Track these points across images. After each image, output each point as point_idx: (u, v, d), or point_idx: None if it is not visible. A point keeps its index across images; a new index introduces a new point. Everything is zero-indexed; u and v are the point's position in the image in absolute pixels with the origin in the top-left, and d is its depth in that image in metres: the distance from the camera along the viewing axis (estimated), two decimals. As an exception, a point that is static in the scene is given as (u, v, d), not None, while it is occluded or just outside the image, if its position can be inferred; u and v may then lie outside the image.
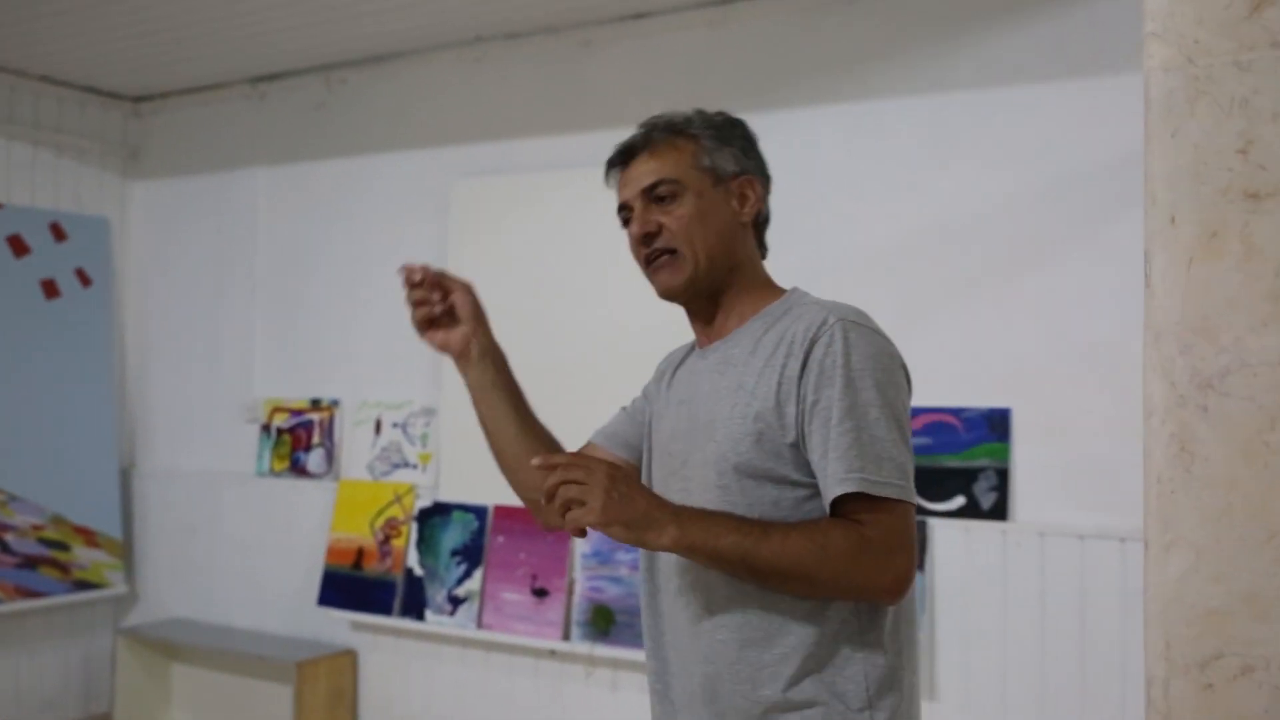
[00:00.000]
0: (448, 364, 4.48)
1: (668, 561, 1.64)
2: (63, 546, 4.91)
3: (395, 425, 4.55)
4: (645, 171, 1.68)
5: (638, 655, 3.82)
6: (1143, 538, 1.11)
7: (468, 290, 1.87)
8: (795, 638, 1.51)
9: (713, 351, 1.68)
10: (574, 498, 1.43)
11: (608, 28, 4.13)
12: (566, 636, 3.98)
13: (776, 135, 3.82)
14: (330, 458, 4.71)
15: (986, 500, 3.42)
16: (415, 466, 4.48)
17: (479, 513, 4.23)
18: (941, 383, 3.52)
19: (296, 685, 4.31)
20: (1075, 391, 3.34)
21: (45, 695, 4.96)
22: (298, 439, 4.80)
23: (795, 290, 1.72)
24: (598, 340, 4.01)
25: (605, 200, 4.59)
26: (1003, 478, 3.41)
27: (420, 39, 4.41)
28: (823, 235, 3.71)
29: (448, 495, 4.33)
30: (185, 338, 5.23)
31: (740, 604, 1.54)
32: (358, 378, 4.70)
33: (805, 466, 1.53)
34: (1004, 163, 3.47)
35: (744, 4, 3.87)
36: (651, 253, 1.66)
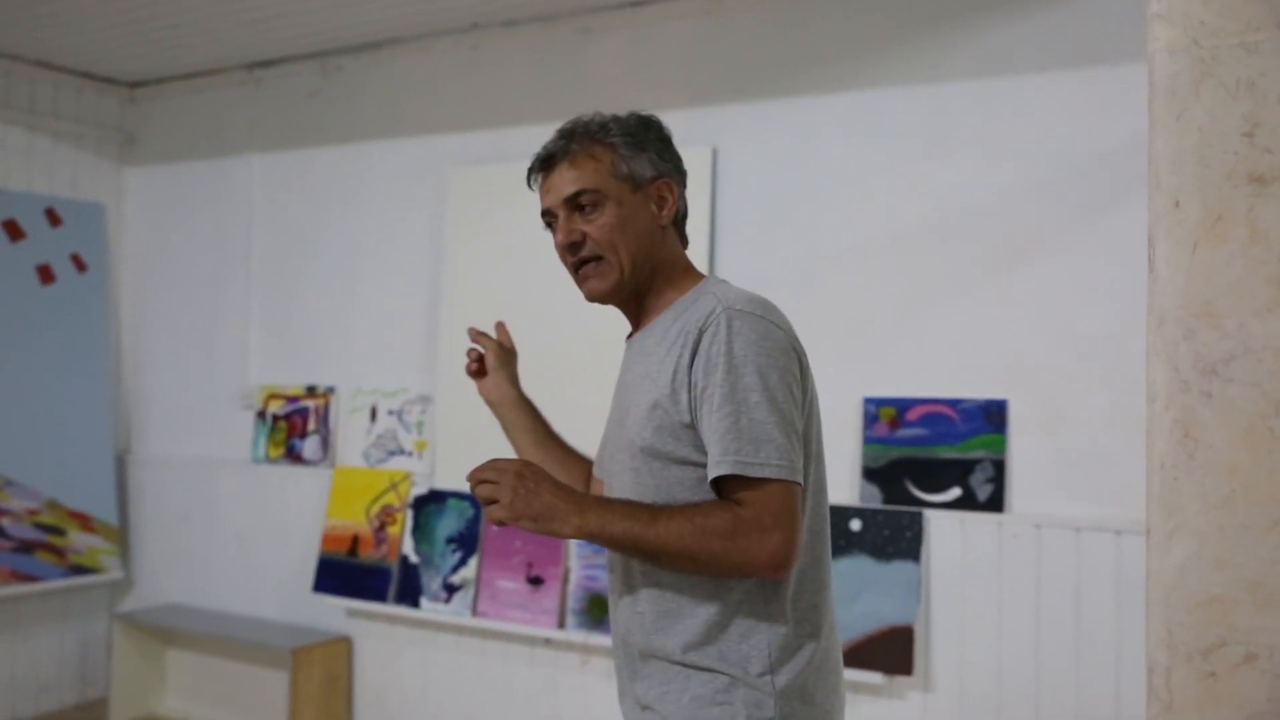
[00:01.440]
0: (443, 352, 4.50)
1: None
2: (59, 531, 4.90)
3: (391, 412, 4.54)
4: (566, 181, 1.75)
5: (633, 644, 3.82)
6: (1144, 525, 1.10)
7: (500, 348, 2.13)
8: (703, 609, 1.63)
9: (635, 341, 1.82)
10: (486, 496, 1.59)
11: (605, 15, 4.11)
12: (562, 625, 3.98)
13: (774, 125, 3.84)
14: (326, 445, 4.70)
15: (983, 492, 3.42)
16: (411, 454, 4.47)
17: (474, 501, 4.22)
18: (939, 374, 3.52)
19: (292, 671, 4.30)
20: (1072, 384, 3.33)
21: (41, 680, 4.95)
22: (293, 426, 4.79)
23: (708, 280, 1.79)
24: (594, 328, 3.99)
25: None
26: (999, 469, 3.40)
27: (417, 26, 4.38)
28: (821, 226, 3.69)
29: (443, 483, 4.32)
30: (181, 324, 5.21)
31: (654, 582, 1.67)
32: (353, 365, 4.68)
33: (703, 448, 1.62)
34: (1003, 154, 3.46)
35: (743, -9, 3.86)
36: (578, 260, 1.77)
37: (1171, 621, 1.06)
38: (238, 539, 4.95)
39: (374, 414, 4.58)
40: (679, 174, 1.83)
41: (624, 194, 1.74)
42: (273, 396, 4.86)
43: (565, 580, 4.00)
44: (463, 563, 4.20)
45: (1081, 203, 3.33)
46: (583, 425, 4.05)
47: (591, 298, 1.80)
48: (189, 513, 5.11)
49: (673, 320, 1.72)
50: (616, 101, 4.53)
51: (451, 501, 4.28)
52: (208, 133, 5.16)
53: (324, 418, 4.71)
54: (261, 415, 4.88)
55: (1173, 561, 1.06)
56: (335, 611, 4.58)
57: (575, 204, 1.75)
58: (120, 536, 5.16)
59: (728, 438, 1.55)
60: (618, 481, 1.75)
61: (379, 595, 4.36)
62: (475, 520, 4.21)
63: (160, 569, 5.19)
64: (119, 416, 5.30)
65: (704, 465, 1.62)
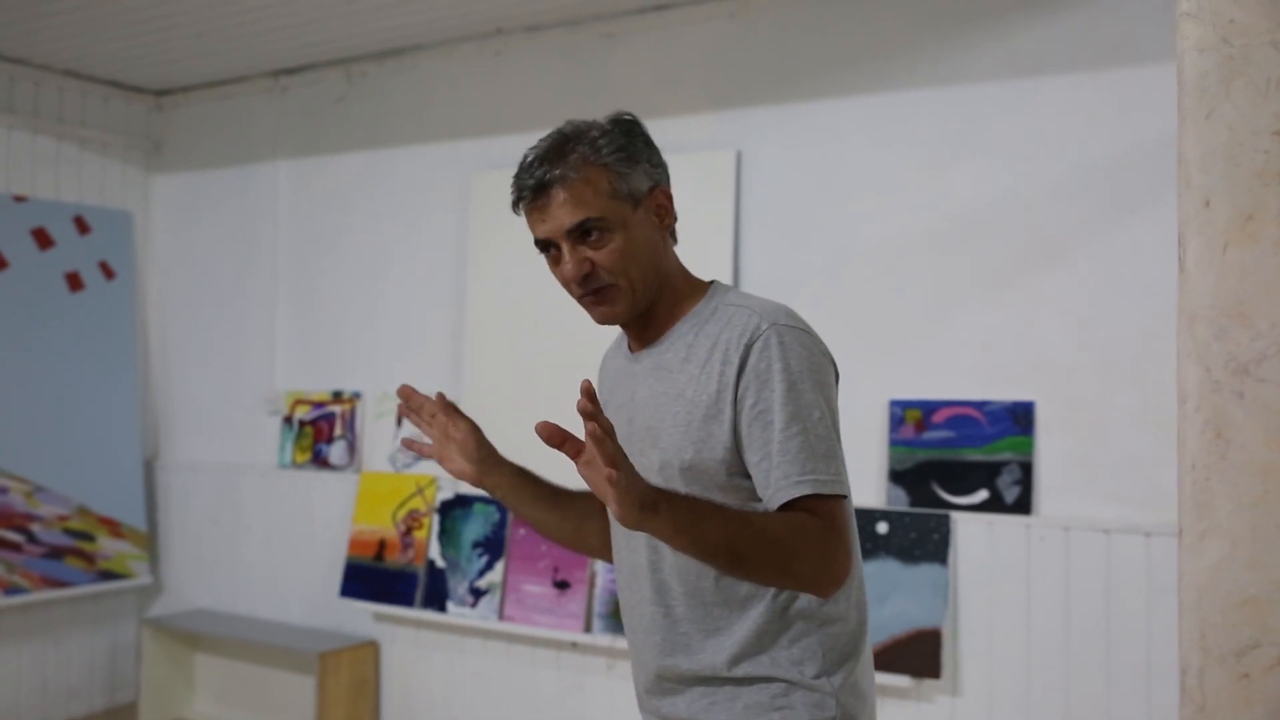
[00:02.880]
0: (468, 357, 4.51)
1: (632, 564, 1.72)
2: (88, 537, 4.94)
3: (417, 418, 4.55)
4: (566, 212, 1.64)
5: (659, 648, 3.81)
6: (1175, 526, 1.09)
7: (471, 431, 1.85)
8: (749, 619, 1.59)
9: (645, 356, 1.73)
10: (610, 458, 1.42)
11: (628, 20, 4.12)
12: (588, 629, 3.98)
13: (799, 128, 3.83)
14: (352, 450, 4.72)
15: (1010, 494, 3.40)
16: (437, 459, 4.48)
17: (500, 505, 4.22)
18: (965, 375, 3.51)
19: (319, 676, 4.32)
20: (1100, 384, 3.31)
21: (71, 684, 4.99)
22: (319, 431, 4.81)
23: (715, 287, 1.75)
24: (617, 332, 4.00)
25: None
26: (1026, 471, 3.39)
27: (440, 32, 4.40)
28: (846, 229, 3.69)
29: (469, 487, 4.33)
30: (207, 330, 5.25)
31: (699, 601, 1.62)
32: (379, 370, 4.70)
33: (744, 467, 1.58)
34: (1029, 155, 3.44)
35: (766, -5, 3.86)
36: (588, 291, 1.68)
37: (1204, 623, 1.05)
38: (265, 544, 4.97)
39: (400, 419, 4.60)
40: (667, 175, 1.75)
41: (626, 214, 1.65)
42: (299, 402, 4.88)
43: (591, 584, 4.00)
44: (489, 567, 4.21)
45: (1109, 203, 3.31)
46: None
47: (604, 322, 1.73)
48: (217, 518, 5.14)
49: (693, 333, 1.66)
50: (640, 105, 4.53)
51: (477, 506, 4.29)
52: (234, 140, 5.20)
53: (350, 423, 4.73)
54: (288, 420, 4.91)
55: (1205, 563, 1.06)
56: (362, 616, 4.60)
57: (578, 233, 1.64)
58: (149, 542, 5.20)
59: (800, 457, 1.51)
60: None
61: (406, 600, 4.38)
62: (501, 525, 4.22)
63: (188, 574, 5.22)
64: (147, 423, 5.34)
65: (744, 486, 1.58)
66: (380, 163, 4.75)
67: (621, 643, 3.88)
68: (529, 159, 1.70)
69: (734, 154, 3.86)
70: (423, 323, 4.59)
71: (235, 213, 5.18)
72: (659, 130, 4.47)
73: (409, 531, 4.44)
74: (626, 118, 1.73)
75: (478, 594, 4.22)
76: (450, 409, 1.85)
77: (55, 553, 4.82)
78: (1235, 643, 1.04)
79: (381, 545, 4.50)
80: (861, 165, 3.69)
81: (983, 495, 3.44)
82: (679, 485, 1.59)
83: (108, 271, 5.16)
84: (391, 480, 4.56)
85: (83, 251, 5.08)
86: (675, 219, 1.76)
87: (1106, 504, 3.28)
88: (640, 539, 1.68)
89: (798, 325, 1.61)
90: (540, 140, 1.71)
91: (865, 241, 3.66)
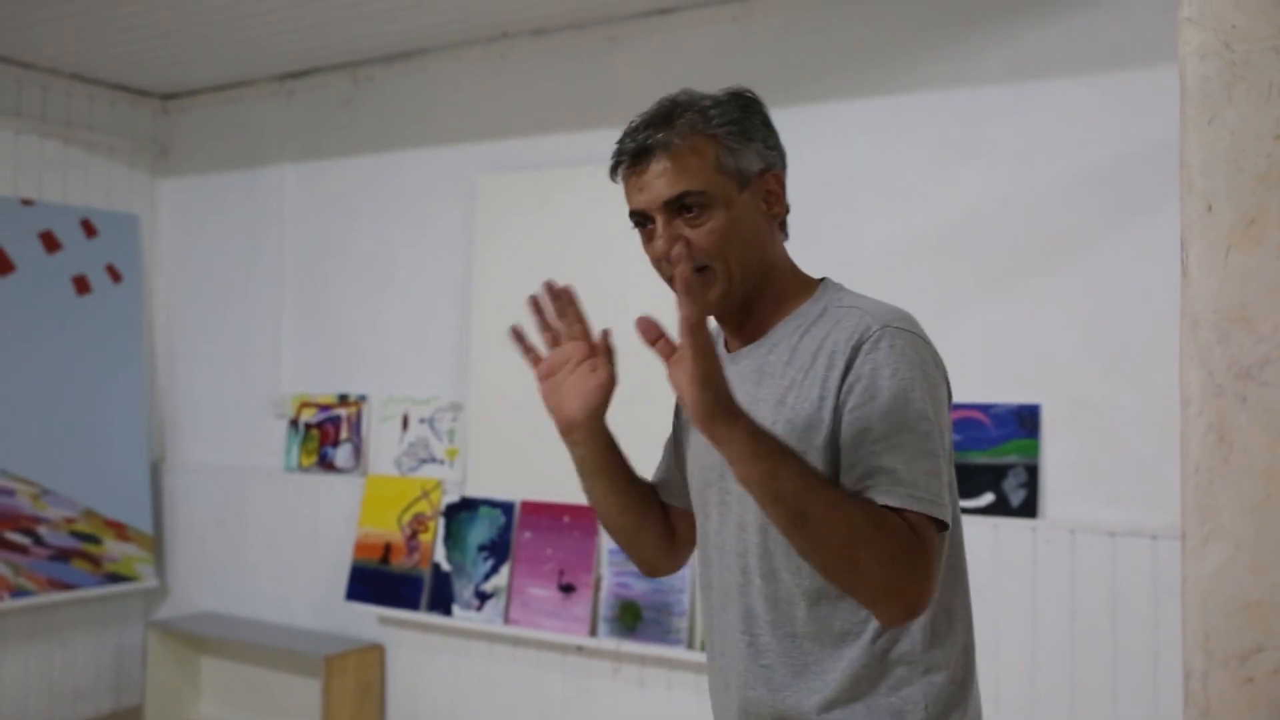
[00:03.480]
0: (475, 360, 4.52)
1: (724, 584, 1.58)
2: (94, 540, 4.95)
3: (422, 421, 4.56)
4: (665, 181, 1.48)
5: (665, 651, 3.82)
6: (1180, 529, 1.09)
7: (611, 384, 1.65)
8: (844, 660, 1.45)
9: (744, 357, 1.57)
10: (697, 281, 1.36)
11: (633, 23, 4.12)
12: (593, 632, 3.98)
13: (803, 130, 3.83)
14: (358, 453, 4.73)
15: (1016, 497, 3.40)
16: (442, 462, 4.49)
17: (506, 508, 4.23)
18: (970, 378, 3.50)
19: (324, 679, 4.33)
20: (1106, 387, 3.31)
21: (77, 686, 5.00)
22: (325, 434, 4.82)
23: (827, 285, 1.60)
24: (624, 334, 4.00)
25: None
26: (1032, 474, 3.39)
27: (446, 35, 4.41)
28: (851, 230, 3.69)
29: (475, 491, 4.34)
30: (214, 333, 5.26)
31: (787, 631, 1.48)
32: (385, 373, 4.71)
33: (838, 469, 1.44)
34: (1033, 157, 3.44)
35: (771, -2, 3.86)
36: None
37: (1208, 626, 1.06)
38: (271, 547, 4.98)
39: (405, 422, 4.60)
40: (783, 162, 1.58)
41: (731, 193, 1.49)
42: (305, 405, 4.90)
43: (597, 588, 4.01)
44: (494, 570, 4.22)
45: (1114, 206, 3.31)
46: (614, 432, 4.05)
47: None
48: (223, 521, 5.15)
49: (798, 333, 1.51)
50: (644, 108, 4.52)
51: (483, 509, 4.29)
52: (240, 143, 5.21)
53: (356, 426, 4.74)
54: (294, 424, 4.92)
55: (1209, 566, 1.06)
56: (368, 619, 4.61)
57: (676, 207, 1.49)
58: (155, 545, 5.21)
59: (900, 468, 1.35)
60: (735, 510, 1.53)
61: (411, 603, 4.39)
62: (506, 528, 4.22)
63: (194, 577, 5.23)
64: (154, 425, 5.36)
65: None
66: (386, 166, 4.76)
67: (626, 646, 3.89)
68: (634, 123, 1.54)
69: (739, 157, 3.86)
70: (428, 326, 4.60)
71: (242, 216, 5.19)
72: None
73: (414, 535, 4.45)
74: (747, 94, 1.59)
75: (483, 597, 4.22)
76: (609, 351, 1.65)
77: (62, 555, 4.83)
78: (1239, 647, 1.04)
79: (387, 548, 4.50)
80: (865, 168, 3.70)
81: (988, 498, 3.44)
82: None
83: (114, 274, 5.18)
84: (397, 484, 4.57)
85: (90, 255, 5.10)
86: (787, 209, 1.59)
87: (1112, 507, 3.28)
88: (732, 555, 1.54)
89: (913, 330, 1.46)
90: (650, 107, 1.56)
91: (869, 244, 3.66)
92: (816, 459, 1.42)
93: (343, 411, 4.79)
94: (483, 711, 4.35)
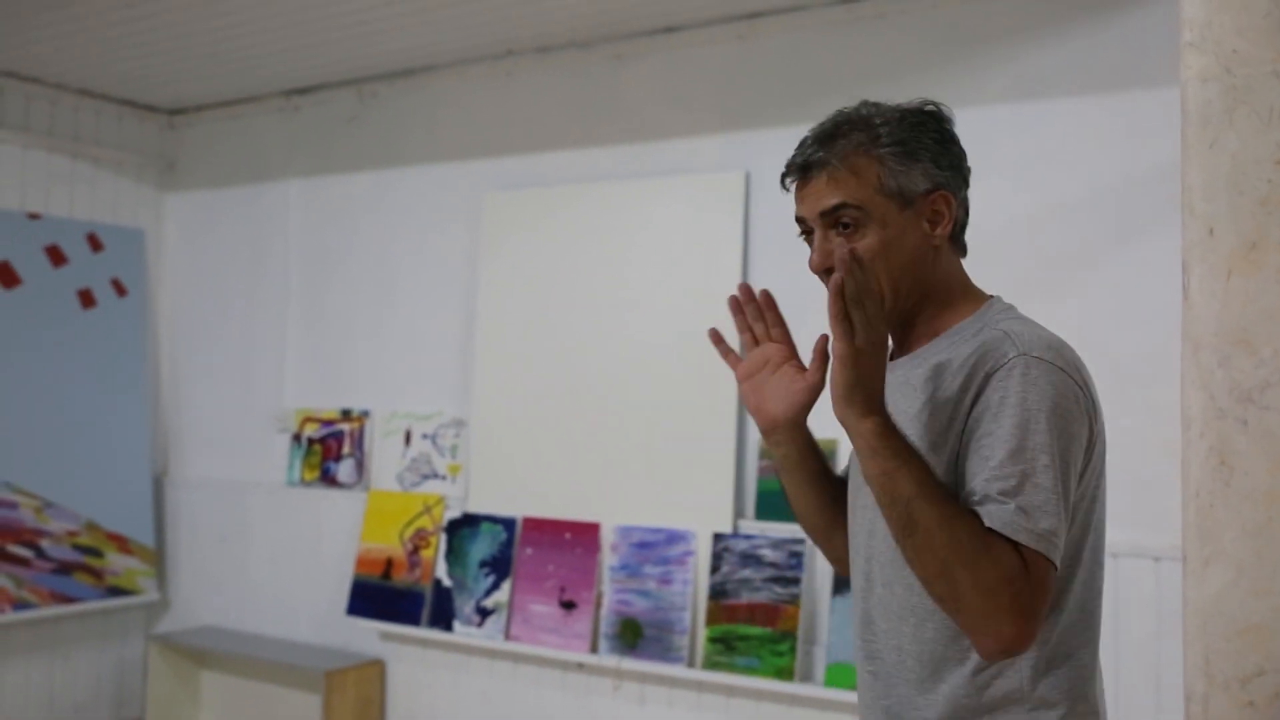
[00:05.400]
0: (478, 376, 4.52)
1: (854, 587, 1.60)
2: (96, 553, 4.95)
3: (425, 436, 4.56)
4: (823, 194, 1.51)
5: (665, 669, 3.81)
6: (1181, 552, 1.10)
7: (821, 386, 1.59)
8: (946, 685, 1.44)
9: (898, 368, 1.57)
10: (852, 320, 1.39)
11: (638, 41, 4.14)
12: (594, 649, 3.98)
13: (807, 148, 3.84)
14: (360, 468, 4.73)
15: (1018, 515, 3.39)
16: (444, 478, 4.49)
17: (508, 524, 4.23)
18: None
19: (325, 694, 4.32)
20: (1108, 407, 3.26)
21: (78, 700, 5.00)
22: (328, 449, 4.82)
23: (991, 304, 1.61)
24: (627, 353, 4.01)
25: (636, 213, 4.60)
26: (1035, 493, 3.37)
27: (451, 52, 4.43)
28: (853, 248, 3.69)
29: (477, 506, 4.34)
30: (218, 348, 5.27)
31: (896, 640, 1.50)
32: (388, 388, 4.72)
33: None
34: (1036, 178, 3.45)
35: (773, 18, 3.87)
36: None
37: (1209, 650, 1.06)
38: (272, 561, 4.98)
39: (408, 437, 4.61)
40: (959, 177, 1.58)
41: (890, 212, 1.50)
42: (308, 420, 4.90)
43: (598, 604, 4.00)
44: (496, 586, 4.21)
45: (1115, 227, 3.32)
46: (615, 451, 4.07)
47: None
48: (224, 535, 5.15)
49: (948, 350, 1.52)
50: (649, 127, 4.56)
51: (485, 525, 4.29)
52: (246, 159, 5.23)
53: (359, 441, 4.74)
54: (297, 438, 4.92)
55: (1210, 589, 1.06)
56: (368, 634, 4.60)
57: (833, 221, 1.51)
58: (156, 558, 5.21)
59: (1010, 499, 1.34)
60: (869, 514, 1.55)
61: (412, 618, 4.38)
62: (508, 544, 4.22)
63: (196, 591, 5.23)
64: (157, 439, 5.36)
65: None
66: (391, 182, 4.78)
67: (627, 664, 3.88)
68: (806, 137, 1.58)
69: (743, 175, 3.88)
70: (432, 342, 4.61)
71: (247, 231, 5.21)
72: (667, 151, 4.50)
73: (416, 550, 4.44)
74: (927, 108, 1.59)
75: (484, 613, 4.22)
76: (824, 355, 1.58)
77: (64, 568, 4.83)
78: (1240, 670, 1.04)
79: (389, 564, 4.50)
80: (870, 187, 3.70)
81: (990, 518, 3.42)
82: None
83: (120, 289, 5.19)
84: (399, 499, 4.57)
85: (95, 269, 5.11)
86: (962, 227, 1.60)
87: (1114, 528, 3.23)
88: (860, 559, 1.57)
89: (1053, 361, 1.43)
90: (827, 118, 1.60)
91: (873, 263, 3.66)
92: (949, 475, 1.43)
93: (345, 426, 4.79)
94: (483, 728, 4.34)
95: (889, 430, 1.37)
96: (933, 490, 1.35)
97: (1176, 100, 1.19)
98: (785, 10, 3.84)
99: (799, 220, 1.58)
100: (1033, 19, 3.48)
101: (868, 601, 1.55)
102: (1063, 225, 3.39)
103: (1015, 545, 1.32)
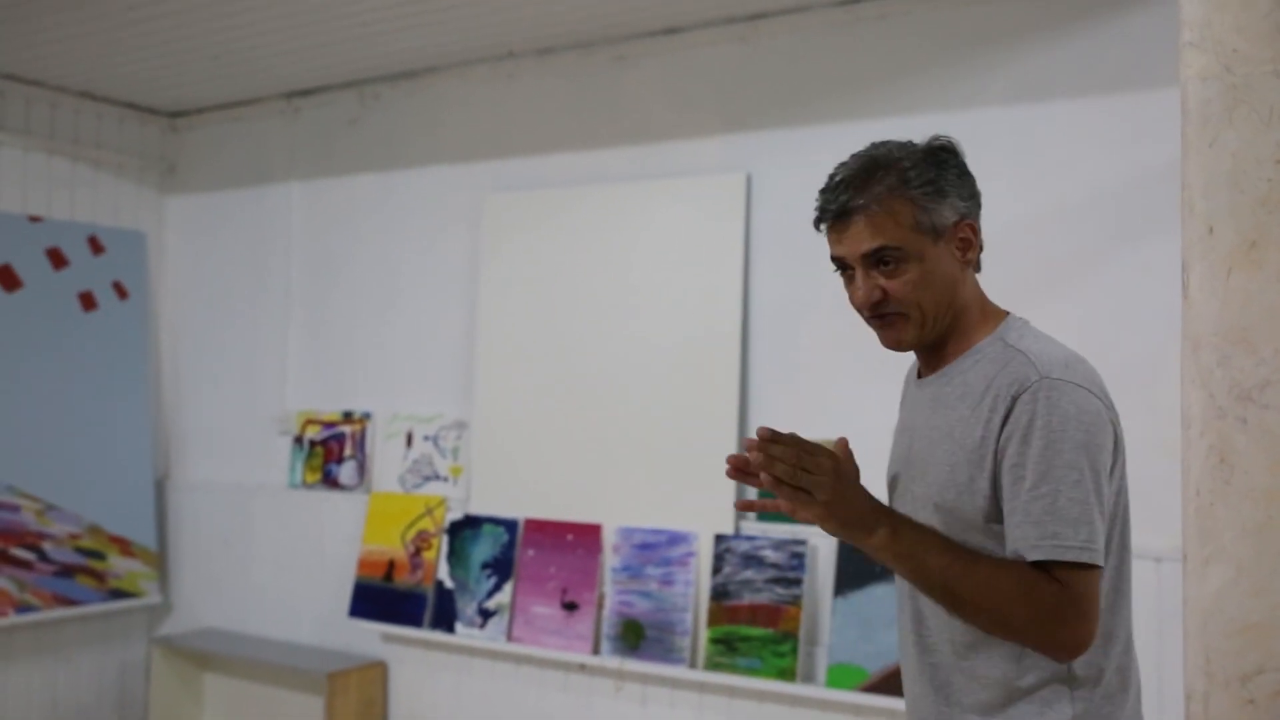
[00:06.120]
0: (479, 378, 4.52)
1: (901, 588, 1.71)
2: (99, 556, 4.95)
3: (426, 438, 4.56)
4: (863, 238, 1.63)
5: (667, 670, 3.81)
6: (1181, 552, 1.09)
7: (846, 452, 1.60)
8: (999, 671, 1.56)
9: (929, 385, 1.72)
10: (802, 487, 1.47)
11: (640, 43, 4.14)
12: (596, 650, 3.97)
13: (809, 151, 3.84)
14: (362, 470, 4.73)
15: (1020, 516, 3.39)
16: (446, 479, 4.49)
17: (509, 526, 4.23)
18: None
19: (327, 696, 4.32)
20: (1110, 407, 3.30)
21: (81, 703, 5.00)
22: (330, 451, 4.82)
23: (1008, 322, 1.71)
24: (629, 355, 4.01)
25: (637, 216, 4.60)
26: (1036, 494, 3.37)
27: (453, 54, 4.43)
28: (855, 249, 3.69)
29: (478, 508, 4.34)
30: (219, 350, 5.27)
31: (948, 633, 1.61)
32: (389, 390, 4.72)
33: (1001, 515, 1.56)
34: (1037, 179, 3.45)
35: (775, 19, 3.87)
36: (876, 315, 1.68)
37: (1209, 648, 1.06)
38: (275, 564, 4.98)
39: (410, 439, 4.61)
40: (977, 205, 1.72)
41: (926, 247, 1.63)
42: (310, 422, 4.90)
43: (600, 605, 4.00)
44: (497, 588, 4.21)
45: (1116, 228, 3.31)
46: (617, 453, 4.07)
47: (890, 348, 1.73)
48: (227, 537, 5.15)
49: (971, 369, 1.65)
50: (651, 128, 4.56)
51: (487, 527, 4.29)
52: (247, 161, 5.23)
53: (360, 443, 4.75)
54: (298, 441, 4.92)
55: (1210, 588, 1.06)
56: (371, 636, 4.60)
57: (874, 259, 1.64)
58: (159, 561, 5.21)
59: (1045, 519, 1.48)
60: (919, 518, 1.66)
61: (414, 620, 4.38)
62: (510, 546, 4.22)
63: (198, 593, 5.23)
64: (158, 442, 5.36)
65: (1001, 534, 1.55)
66: (393, 184, 4.78)
67: (629, 665, 3.88)
68: (836, 178, 1.68)
69: (744, 177, 3.88)
70: (434, 344, 4.61)
71: (248, 234, 5.21)
72: (669, 153, 4.50)
73: (418, 552, 4.44)
74: (944, 144, 1.70)
75: (486, 615, 4.22)
76: (848, 453, 1.58)
77: (66, 571, 4.83)
78: (1240, 668, 1.04)
79: (390, 566, 4.50)
80: (871, 188, 3.70)
81: (992, 518, 3.42)
82: (935, 522, 1.60)
83: (121, 291, 5.20)
84: (401, 500, 4.57)
85: (96, 272, 5.12)
86: (980, 250, 1.73)
87: (1116, 528, 3.26)
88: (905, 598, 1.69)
89: (1073, 380, 1.55)
90: (850, 158, 1.69)
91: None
92: (978, 495, 1.56)
93: (347, 429, 4.79)
94: (485, 730, 4.34)
95: (897, 531, 1.51)
96: (959, 559, 1.51)
97: (1177, 101, 1.19)
98: (787, 11, 3.84)
99: (836, 259, 1.70)
100: (1033, 20, 3.48)
101: (917, 600, 1.65)
102: (1063, 227, 3.39)
103: (1054, 567, 1.47)
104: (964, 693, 1.59)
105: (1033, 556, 1.48)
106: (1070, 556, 1.46)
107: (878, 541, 1.50)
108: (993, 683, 1.56)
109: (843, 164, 1.69)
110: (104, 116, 5.20)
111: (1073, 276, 3.37)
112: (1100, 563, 1.49)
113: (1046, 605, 1.46)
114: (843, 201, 1.64)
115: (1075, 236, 3.38)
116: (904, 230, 1.61)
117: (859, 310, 1.70)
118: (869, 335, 3.57)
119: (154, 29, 4.17)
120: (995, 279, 3.59)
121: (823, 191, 1.69)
